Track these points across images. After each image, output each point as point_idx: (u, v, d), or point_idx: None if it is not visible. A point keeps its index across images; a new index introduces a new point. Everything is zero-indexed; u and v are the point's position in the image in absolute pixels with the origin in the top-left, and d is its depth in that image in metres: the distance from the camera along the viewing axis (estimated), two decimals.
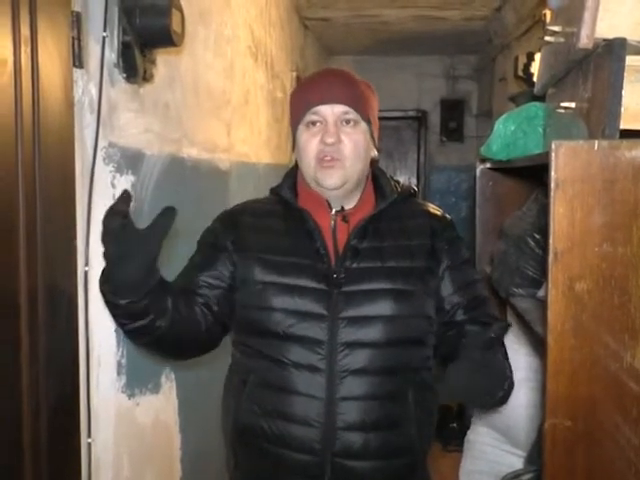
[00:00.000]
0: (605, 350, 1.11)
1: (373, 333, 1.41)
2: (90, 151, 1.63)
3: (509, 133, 1.64)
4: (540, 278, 1.62)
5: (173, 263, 1.92)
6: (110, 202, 1.72)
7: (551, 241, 1.10)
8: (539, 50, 2.60)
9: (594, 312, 1.10)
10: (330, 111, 1.43)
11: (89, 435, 1.64)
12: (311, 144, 1.45)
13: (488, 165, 2.09)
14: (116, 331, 1.78)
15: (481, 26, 5.14)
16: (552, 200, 1.11)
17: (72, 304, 1.59)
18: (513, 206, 1.97)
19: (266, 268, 1.45)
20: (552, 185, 1.11)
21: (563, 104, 1.33)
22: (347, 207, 1.49)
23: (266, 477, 1.49)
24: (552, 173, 1.11)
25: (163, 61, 2.04)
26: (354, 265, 1.44)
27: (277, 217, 1.52)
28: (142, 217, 1.93)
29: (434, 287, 1.47)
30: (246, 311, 1.48)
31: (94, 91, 1.63)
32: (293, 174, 1.57)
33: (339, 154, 1.43)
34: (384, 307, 1.41)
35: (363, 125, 1.46)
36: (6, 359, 1.40)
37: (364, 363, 1.40)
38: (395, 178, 1.59)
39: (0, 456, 1.37)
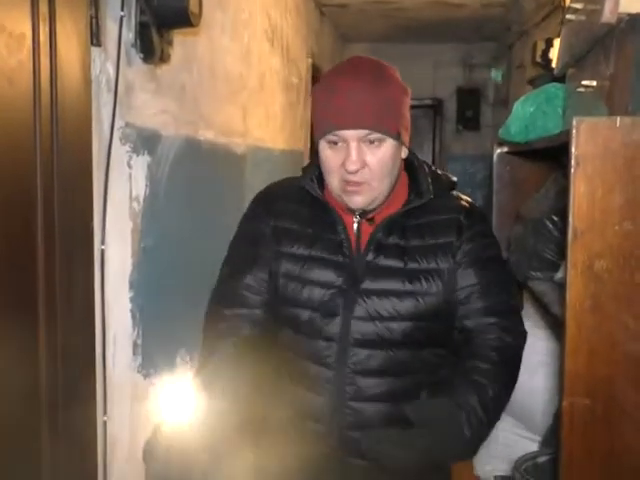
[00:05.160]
0: (624, 329, 1.10)
1: (387, 334, 1.38)
2: (107, 130, 1.63)
3: (528, 114, 1.62)
4: (558, 261, 1.61)
5: (189, 242, 1.92)
6: (126, 182, 1.76)
7: (571, 219, 1.09)
8: (558, 36, 2.57)
9: (614, 291, 1.09)
10: (352, 134, 1.30)
11: (105, 413, 1.65)
12: (334, 165, 1.34)
13: (506, 149, 2.07)
14: (131, 311, 1.79)
15: (499, 13, 5.10)
16: (572, 178, 1.10)
17: (89, 282, 1.59)
18: (531, 191, 1.95)
19: (291, 262, 1.43)
20: (572, 162, 1.09)
21: (584, 82, 1.32)
22: (371, 207, 1.40)
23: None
24: (573, 150, 1.09)
25: (180, 43, 2.04)
26: (376, 261, 1.39)
27: (304, 204, 1.47)
28: (158, 198, 1.93)
29: (454, 289, 1.40)
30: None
31: (111, 70, 1.63)
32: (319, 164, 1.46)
33: (363, 178, 1.33)
34: (401, 308, 1.38)
35: (390, 141, 1.33)
36: (24, 337, 1.41)
37: (376, 363, 1.38)
38: (434, 168, 1.49)
39: (18, 434, 1.38)
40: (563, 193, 1.51)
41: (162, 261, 1.96)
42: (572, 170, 1.09)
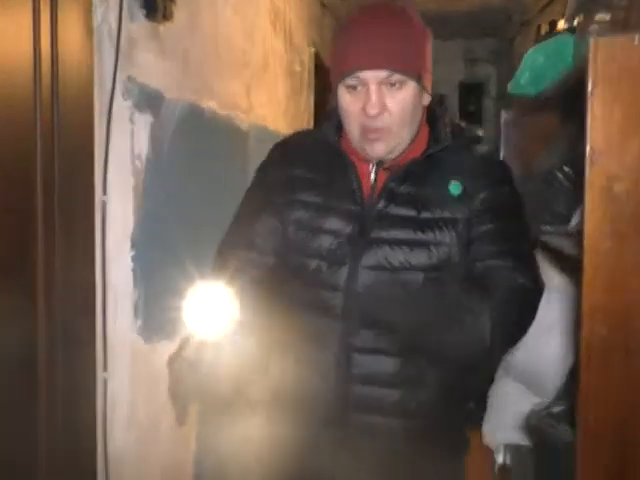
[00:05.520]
0: None
1: (397, 284, 1.33)
2: (109, 82, 1.60)
3: (538, 65, 1.58)
4: (569, 214, 1.57)
5: (192, 209, 1.87)
6: (129, 138, 1.72)
7: (588, 143, 1.06)
8: (562, 17, 2.55)
9: (633, 214, 1.06)
10: (372, 76, 1.26)
11: (105, 369, 1.61)
12: (353, 110, 1.31)
13: (512, 114, 2.04)
14: (133, 270, 1.75)
15: (500, 3, 5.09)
16: (589, 100, 1.07)
17: (89, 234, 1.56)
18: (540, 153, 1.92)
19: (302, 210, 1.40)
20: (590, 84, 1.06)
21: (598, 17, 1.29)
22: (391, 156, 1.36)
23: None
24: (590, 71, 1.06)
25: (184, 7, 2.01)
26: (387, 209, 1.35)
27: (321, 153, 1.44)
28: (161, 160, 1.90)
29: (467, 237, 1.34)
30: None
31: (113, 23, 1.60)
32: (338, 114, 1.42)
33: (384, 123, 1.30)
34: (412, 258, 1.33)
35: (411, 84, 1.29)
36: (22, 290, 1.38)
37: (383, 315, 1.32)
38: (457, 121, 1.48)
39: (15, 387, 1.34)
40: (575, 143, 1.48)
41: (165, 225, 1.93)
42: (589, 92, 1.06)
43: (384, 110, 1.28)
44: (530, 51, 1.67)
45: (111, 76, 1.61)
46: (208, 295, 1.27)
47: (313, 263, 1.37)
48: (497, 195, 1.35)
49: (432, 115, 1.43)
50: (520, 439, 1.97)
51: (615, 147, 1.06)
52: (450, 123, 1.43)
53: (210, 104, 2.33)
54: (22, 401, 1.38)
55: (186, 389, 1.18)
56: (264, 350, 1.36)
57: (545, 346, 1.77)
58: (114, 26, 1.60)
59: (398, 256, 1.32)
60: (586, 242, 1.07)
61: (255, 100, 2.93)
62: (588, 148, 1.06)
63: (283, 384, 1.48)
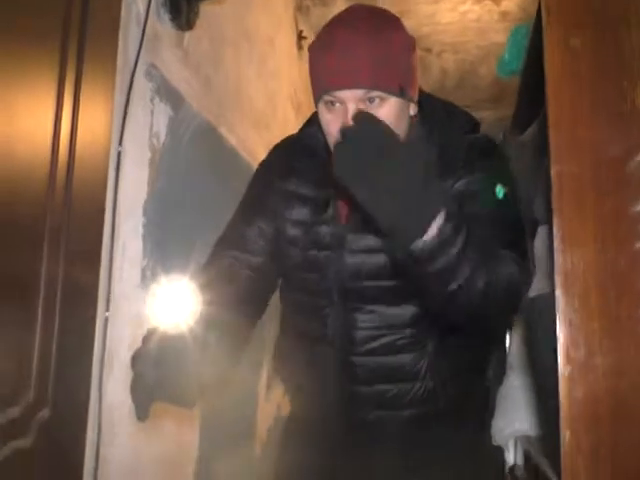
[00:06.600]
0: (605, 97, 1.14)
1: (376, 292, 1.35)
2: (132, 59, 1.74)
3: (520, 37, 1.70)
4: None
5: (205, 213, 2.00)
6: (148, 115, 1.87)
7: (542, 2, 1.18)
8: None
9: (590, 64, 1.15)
10: (349, 95, 1.21)
11: (107, 310, 1.62)
12: (332, 128, 1.25)
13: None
14: (143, 237, 1.82)
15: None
16: None
17: (101, 183, 1.62)
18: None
19: (294, 228, 1.41)
20: None
21: None
22: None
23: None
24: None
25: (207, 38, 2.24)
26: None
27: (311, 164, 1.43)
28: (178, 158, 2.02)
29: None
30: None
31: (142, 7, 1.80)
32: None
33: None
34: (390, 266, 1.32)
35: (393, 99, 1.23)
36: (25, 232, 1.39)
37: (376, 321, 1.35)
38: (452, 108, 1.41)
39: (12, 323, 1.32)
40: None
41: (177, 212, 2.01)
42: None
43: None
44: (513, 29, 1.81)
45: (135, 53, 1.75)
46: (175, 289, 1.27)
47: (310, 276, 1.40)
48: (471, 182, 1.30)
49: (422, 108, 1.37)
50: (530, 430, 1.88)
51: (569, 2, 1.17)
52: (444, 114, 1.39)
53: (229, 137, 2.49)
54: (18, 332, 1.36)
55: (146, 386, 1.09)
56: (234, 352, 1.31)
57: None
58: (142, 11, 1.79)
59: (376, 264, 1.32)
60: (548, 89, 1.16)
61: None
62: (543, 6, 1.18)
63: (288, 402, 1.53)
